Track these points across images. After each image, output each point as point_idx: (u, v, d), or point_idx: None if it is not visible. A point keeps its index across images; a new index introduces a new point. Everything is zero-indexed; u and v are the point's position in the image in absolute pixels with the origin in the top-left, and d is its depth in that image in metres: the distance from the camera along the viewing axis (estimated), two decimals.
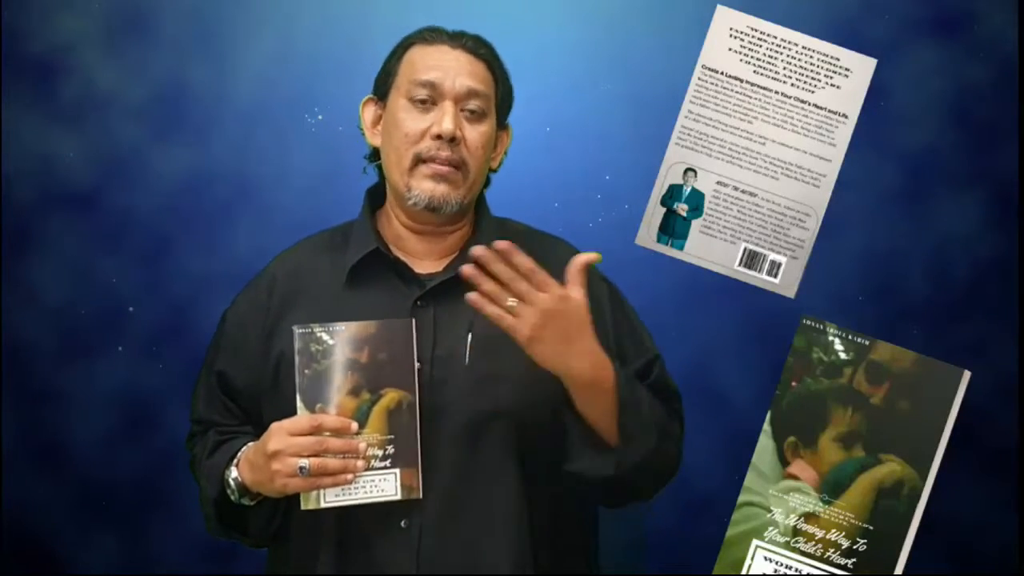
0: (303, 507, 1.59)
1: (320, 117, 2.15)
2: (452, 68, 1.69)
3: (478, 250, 1.52)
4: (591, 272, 1.77)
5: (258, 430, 1.73)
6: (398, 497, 1.58)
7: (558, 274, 1.73)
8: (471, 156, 1.69)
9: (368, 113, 1.77)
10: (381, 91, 1.75)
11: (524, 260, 1.53)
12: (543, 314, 1.53)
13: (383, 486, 1.58)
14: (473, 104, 1.69)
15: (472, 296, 1.52)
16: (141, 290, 2.18)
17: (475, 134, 1.69)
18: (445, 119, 1.66)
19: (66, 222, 2.18)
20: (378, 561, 1.61)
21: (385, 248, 1.71)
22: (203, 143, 2.18)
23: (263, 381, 1.71)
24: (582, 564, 1.74)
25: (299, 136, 2.17)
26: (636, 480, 1.65)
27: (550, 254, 1.77)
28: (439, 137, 1.66)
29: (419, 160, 1.67)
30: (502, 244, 1.53)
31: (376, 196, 1.79)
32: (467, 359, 1.64)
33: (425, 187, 1.67)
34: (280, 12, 2.18)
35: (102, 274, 2.18)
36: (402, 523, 1.62)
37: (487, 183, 1.79)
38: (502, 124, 1.78)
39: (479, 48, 1.73)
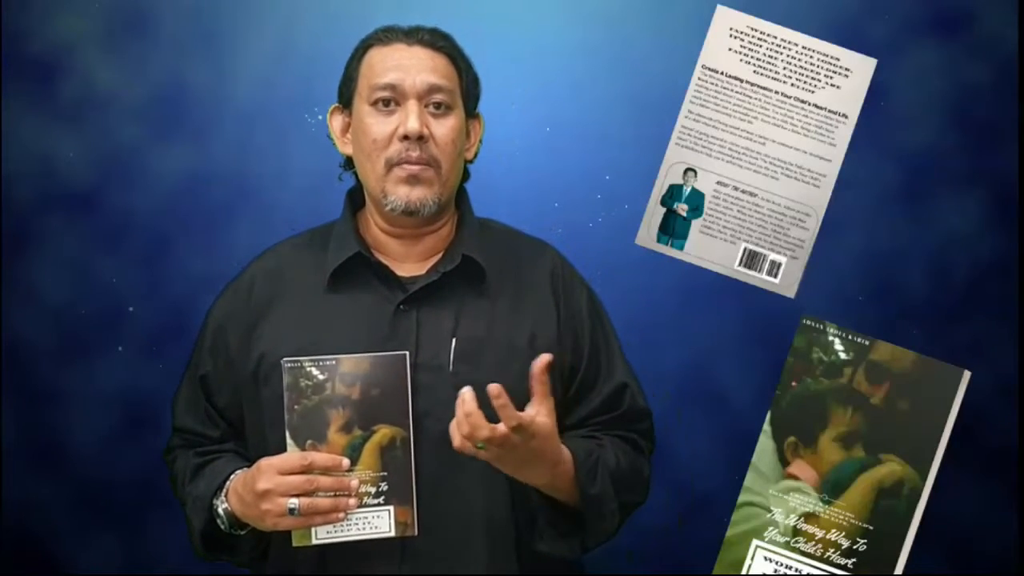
0: (295, 544, 1.56)
1: (320, 117, 2.15)
2: (411, 66, 1.66)
3: (494, 390, 1.45)
4: (573, 277, 1.77)
5: (239, 444, 1.72)
6: (392, 534, 1.56)
7: (539, 279, 1.72)
8: (442, 152, 1.65)
9: (336, 122, 1.74)
10: (345, 98, 1.72)
11: (499, 394, 1.45)
12: (510, 451, 1.49)
13: (376, 523, 1.56)
14: (437, 98, 1.66)
15: (457, 444, 1.48)
16: (141, 290, 2.18)
17: (443, 129, 1.66)
18: (410, 119, 1.63)
19: (66, 222, 2.17)
20: (360, 562, 1.60)
21: (367, 251, 1.69)
22: (203, 143, 2.17)
23: (245, 386, 1.68)
24: (565, 567, 1.72)
25: (299, 136, 2.16)
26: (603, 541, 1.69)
27: (534, 257, 1.76)
28: (406, 138, 1.63)
29: (391, 165, 1.64)
30: (493, 390, 1.45)
31: (357, 198, 1.76)
32: (451, 365, 1.63)
33: (400, 192, 1.64)
34: (280, 12, 2.17)
35: (102, 274, 2.18)
36: None
37: (466, 176, 1.77)
38: (472, 113, 1.74)
39: (437, 41, 1.69)
